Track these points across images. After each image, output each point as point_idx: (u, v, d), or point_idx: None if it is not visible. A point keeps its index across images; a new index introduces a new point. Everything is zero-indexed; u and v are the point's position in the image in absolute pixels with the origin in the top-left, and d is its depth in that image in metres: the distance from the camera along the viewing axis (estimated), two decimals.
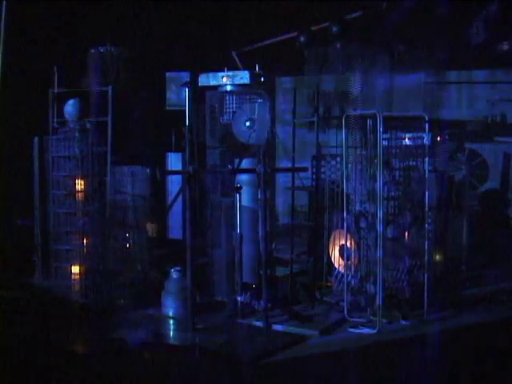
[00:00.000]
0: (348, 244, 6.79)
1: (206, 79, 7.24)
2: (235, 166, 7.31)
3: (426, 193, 6.75)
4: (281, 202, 9.75)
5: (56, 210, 7.49)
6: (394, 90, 8.82)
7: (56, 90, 8.11)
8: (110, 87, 7.99)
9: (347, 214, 6.79)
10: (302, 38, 9.70)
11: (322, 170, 8.01)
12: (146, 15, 9.03)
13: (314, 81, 8.45)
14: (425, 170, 6.80)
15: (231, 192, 7.06)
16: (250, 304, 6.85)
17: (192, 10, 9.43)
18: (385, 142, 6.60)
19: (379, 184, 6.39)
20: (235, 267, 6.88)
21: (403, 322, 6.58)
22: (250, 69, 7.21)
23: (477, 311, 6.95)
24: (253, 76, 7.11)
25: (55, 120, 8.08)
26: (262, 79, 7.17)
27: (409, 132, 6.94)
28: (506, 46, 8.93)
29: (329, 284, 7.59)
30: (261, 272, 6.78)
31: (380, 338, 6.22)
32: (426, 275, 6.71)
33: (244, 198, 6.93)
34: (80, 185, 7.40)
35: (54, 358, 5.71)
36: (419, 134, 6.87)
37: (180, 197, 8.51)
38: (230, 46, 10.33)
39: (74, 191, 7.40)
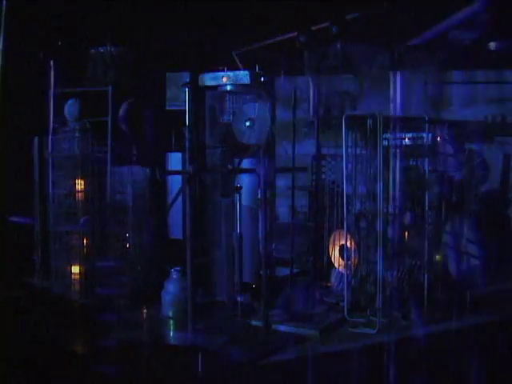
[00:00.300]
0: (348, 244, 6.79)
1: (206, 79, 7.25)
2: (235, 166, 7.31)
3: (426, 193, 6.76)
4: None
5: (56, 210, 7.49)
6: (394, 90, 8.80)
7: (55, 90, 8.10)
8: (109, 87, 7.99)
9: (347, 213, 6.79)
10: (301, 38, 9.70)
11: (322, 169, 8.00)
12: (145, 15, 9.02)
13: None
14: (425, 170, 6.80)
15: (231, 192, 7.06)
16: (249, 304, 6.85)
17: (192, 10, 9.42)
18: (385, 142, 6.60)
19: (379, 184, 6.39)
20: (235, 267, 6.88)
21: (403, 322, 6.58)
22: (250, 69, 7.20)
23: (477, 311, 6.95)
24: (253, 76, 7.11)
25: (55, 120, 8.08)
26: (262, 79, 7.17)
27: (409, 132, 6.94)
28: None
29: (329, 284, 7.59)
30: (261, 272, 6.78)
31: (380, 338, 6.21)
32: (426, 275, 6.71)
33: (244, 198, 6.93)
34: (80, 185, 7.40)
35: (53, 357, 5.71)
36: (419, 134, 6.88)
37: (180, 197, 8.49)
38: (230, 45, 10.31)
39: (74, 191, 7.40)
